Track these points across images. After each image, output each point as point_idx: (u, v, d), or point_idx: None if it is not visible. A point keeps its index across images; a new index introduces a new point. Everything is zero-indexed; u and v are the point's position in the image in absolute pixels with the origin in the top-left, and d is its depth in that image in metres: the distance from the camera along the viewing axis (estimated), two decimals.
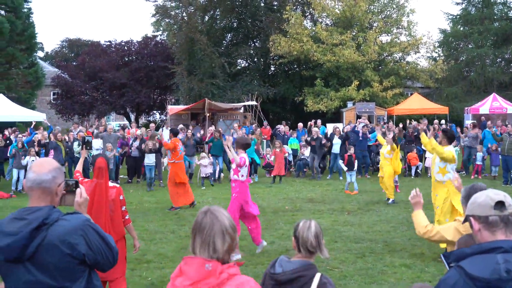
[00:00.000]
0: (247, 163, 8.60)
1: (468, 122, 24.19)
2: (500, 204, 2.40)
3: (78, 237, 2.69)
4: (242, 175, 8.48)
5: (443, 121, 24.10)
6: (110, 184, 5.53)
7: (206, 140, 18.89)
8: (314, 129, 18.28)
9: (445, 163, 8.32)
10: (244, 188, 8.54)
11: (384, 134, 15.16)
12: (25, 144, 16.17)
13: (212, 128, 20.26)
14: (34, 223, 2.64)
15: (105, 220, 5.24)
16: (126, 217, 5.62)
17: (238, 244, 8.30)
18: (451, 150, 8.46)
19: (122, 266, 5.39)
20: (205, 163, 16.49)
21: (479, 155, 17.92)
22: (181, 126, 20.60)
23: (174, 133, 13.64)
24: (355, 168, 15.36)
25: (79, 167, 6.06)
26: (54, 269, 2.67)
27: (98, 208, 5.23)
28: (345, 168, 15.28)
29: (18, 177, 15.76)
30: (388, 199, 13.42)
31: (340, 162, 15.78)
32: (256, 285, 2.42)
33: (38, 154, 15.93)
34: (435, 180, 8.47)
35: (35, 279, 2.66)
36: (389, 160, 13.35)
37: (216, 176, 17.31)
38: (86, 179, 5.69)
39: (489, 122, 20.67)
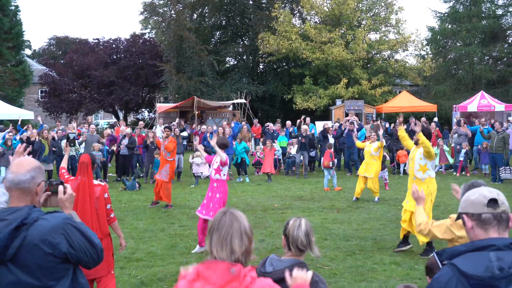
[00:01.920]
0: (228, 162, 8.74)
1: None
2: (493, 202, 2.40)
3: (59, 236, 2.66)
4: (224, 174, 8.61)
5: (435, 119, 24.18)
6: (95, 182, 5.49)
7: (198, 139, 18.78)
8: (303, 126, 18.19)
9: (426, 160, 8.34)
10: (226, 188, 8.70)
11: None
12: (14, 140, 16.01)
13: (204, 127, 20.11)
14: (14, 224, 2.61)
15: (91, 218, 5.19)
16: (111, 216, 5.56)
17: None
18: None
19: (108, 264, 5.33)
20: (197, 161, 16.36)
21: (463, 151, 18.00)
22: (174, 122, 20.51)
23: (170, 129, 13.42)
24: (334, 165, 15.25)
25: (64, 163, 6.11)
26: (36, 269, 2.64)
27: (83, 205, 5.19)
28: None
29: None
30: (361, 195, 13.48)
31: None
32: None
33: (29, 152, 15.68)
34: (415, 178, 8.47)
35: (18, 279, 2.63)
36: (376, 158, 13.36)
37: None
38: (72, 177, 5.65)
39: (482, 120, 20.86)
